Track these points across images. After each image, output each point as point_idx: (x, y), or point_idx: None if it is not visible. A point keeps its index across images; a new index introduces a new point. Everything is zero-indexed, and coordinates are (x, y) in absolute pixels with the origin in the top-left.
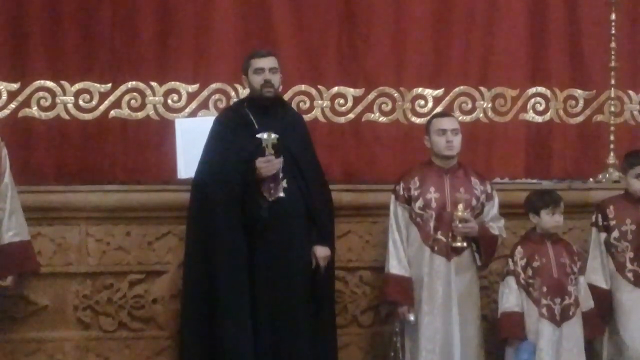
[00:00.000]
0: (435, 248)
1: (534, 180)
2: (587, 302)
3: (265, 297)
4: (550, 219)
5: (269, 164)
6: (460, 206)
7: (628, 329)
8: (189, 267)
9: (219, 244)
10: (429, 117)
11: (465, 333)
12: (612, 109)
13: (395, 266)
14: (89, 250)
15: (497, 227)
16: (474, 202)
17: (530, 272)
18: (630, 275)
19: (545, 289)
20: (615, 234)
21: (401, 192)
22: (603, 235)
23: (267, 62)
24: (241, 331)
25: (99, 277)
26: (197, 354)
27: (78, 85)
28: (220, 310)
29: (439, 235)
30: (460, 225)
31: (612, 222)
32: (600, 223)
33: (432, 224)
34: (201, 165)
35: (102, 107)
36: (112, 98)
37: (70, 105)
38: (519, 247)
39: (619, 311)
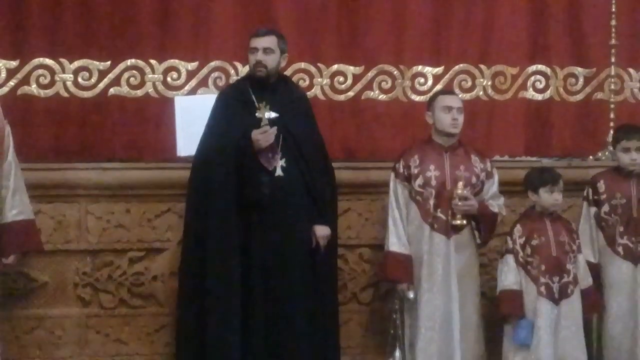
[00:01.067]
0: (435, 226)
1: (534, 158)
2: (586, 280)
3: (262, 278)
4: (549, 197)
5: (265, 135)
6: (460, 184)
7: (616, 301)
8: (187, 245)
9: (214, 223)
10: (432, 93)
11: (464, 310)
12: (612, 86)
13: (395, 244)
14: (89, 228)
15: (496, 204)
16: (473, 180)
17: (529, 250)
18: (620, 249)
19: (543, 267)
20: (606, 208)
21: (401, 170)
22: (593, 209)
23: (262, 42)
24: (229, 316)
25: (99, 255)
26: (191, 333)
27: (77, 63)
28: (209, 292)
29: (439, 213)
30: (460, 203)
31: (603, 197)
32: (591, 197)
33: (432, 202)
34: (201, 142)
35: (101, 85)
36: (111, 76)
37: (69, 83)
38: (517, 226)
39: (607, 285)
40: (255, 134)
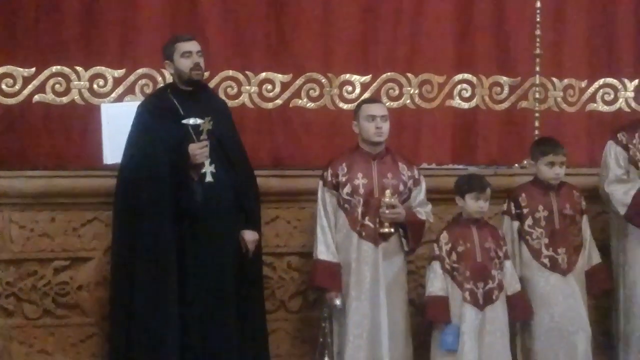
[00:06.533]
0: (363, 234)
1: (461, 166)
2: (514, 286)
3: (195, 284)
4: (473, 204)
5: (203, 150)
6: (388, 192)
7: (548, 314)
8: (117, 254)
9: (148, 232)
10: (357, 103)
11: (392, 318)
12: (537, 95)
13: (323, 252)
14: (12, 237)
15: (424, 212)
16: (401, 187)
17: (454, 256)
18: (546, 260)
19: (468, 273)
20: (529, 221)
21: (329, 178)
22: (516, 223)
23: (194, 46)
24: (168, 323)
25: (23, 264)
26: (124, 343)
27: (0, 69)
28: (144, 301)
29: (367, 221)
30: (387, 212)
31: (525, 210)
32: (513, 211)
33: (359, 210)
34: (127, 153)
35: (25, 92)
36: (36, 82)
37: None
38: (444, 232)
39: (535, 298)
40: (194, 149)
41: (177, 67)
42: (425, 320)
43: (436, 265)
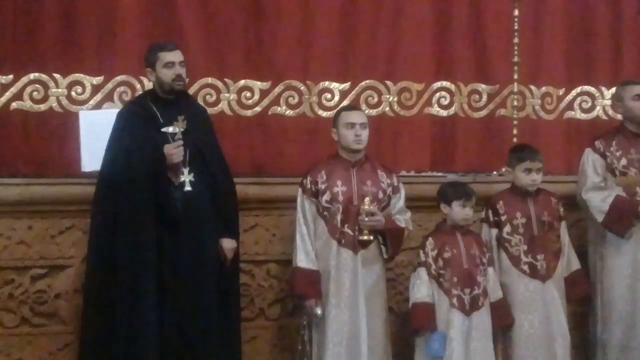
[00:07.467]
0: (342, 241)
1: (440, 174)
2: (496, 293)
3: (174, 291)
4: (460, 211)
5: (179, 149)
6: (367, 199)
7: (527, 320)
8: (94, 261)
9: (127, 239)
10: (337, 110)
11: (372, 325)
12: (515, 103)
13: (303, 260)
14: None
15: (403, 219)
16: (380, 195)
17: (441, 263)
18: (525, 267)
19: (455, 279)
20: (508, 228)
21: (308, 186)
22: (494, 231)
23: (177, 56)
24: (148, 330)
25: (0, 272)
26: (97, 351)
27: None
28: (125, 307)
29: (346, 229)
30: (366, 219)
31: (503, 217)
32: (491, 219)
33: (339, 218)
34: (107, 160)
35: (3, 99)
36: (13, 90)
37: None
38: (430, 239)
39: (515, 304)
40: (169, 148)
41: (158, 76)
42: (411, 327)
43: (422, 271)
